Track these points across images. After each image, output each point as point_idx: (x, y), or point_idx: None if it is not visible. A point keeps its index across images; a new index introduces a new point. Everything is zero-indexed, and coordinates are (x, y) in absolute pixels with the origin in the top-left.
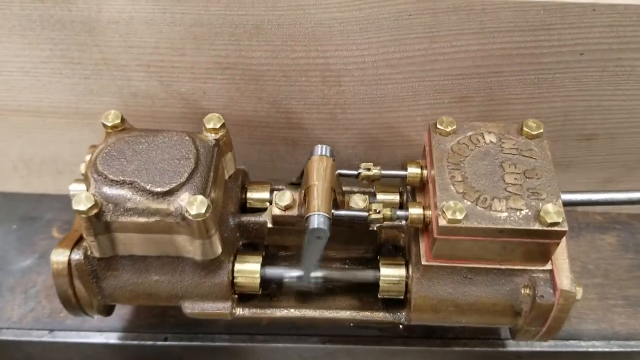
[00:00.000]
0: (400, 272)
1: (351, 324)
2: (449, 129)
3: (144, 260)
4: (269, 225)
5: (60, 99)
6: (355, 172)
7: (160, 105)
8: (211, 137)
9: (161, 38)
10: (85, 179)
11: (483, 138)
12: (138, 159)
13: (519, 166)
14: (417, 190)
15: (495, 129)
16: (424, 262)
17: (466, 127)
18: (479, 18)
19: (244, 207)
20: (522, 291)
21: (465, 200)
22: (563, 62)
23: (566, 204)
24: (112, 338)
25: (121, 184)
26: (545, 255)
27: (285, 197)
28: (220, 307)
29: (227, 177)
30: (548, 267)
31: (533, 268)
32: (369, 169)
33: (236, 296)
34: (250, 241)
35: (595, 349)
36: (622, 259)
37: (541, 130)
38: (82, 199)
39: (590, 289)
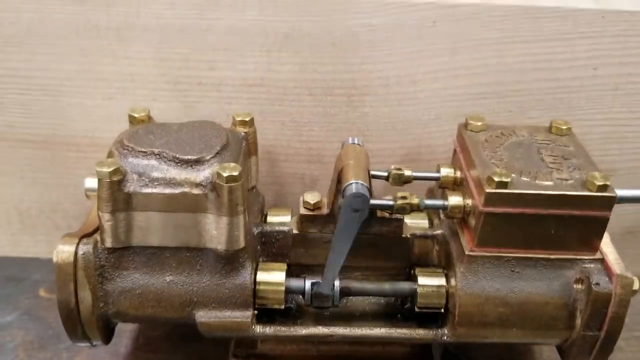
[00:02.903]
0: (440, 280)
1: None
2: (479, 123)
3: (159, 256)
4: (295, 231)
5: (76, 126)
6: (379, 174)
7: None
8: (241, 130)
9: (193, 49)
10: (108, 155)
11: (514, 133)
12: (167, 136)
13: (555, 151)
14: None
15: (524, 128)
16: (467, 252)
17: (495, 127)
18: (498, 26)
19: None
20: (575, 286)
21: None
22: (577, 79)
23: (620, 200)
24: None
25: (148, 154)
26: (594, 238)
27: (315, 195)
28: (239, 316)
29: (250, 185)
30: (598, 256)
31: (583, 257)
32: (399, 169)
33: (256, 312)
34: (272, 259)
35: None
36: None
37: (570, 127)
38: (105, 163)
39: (633, 342)
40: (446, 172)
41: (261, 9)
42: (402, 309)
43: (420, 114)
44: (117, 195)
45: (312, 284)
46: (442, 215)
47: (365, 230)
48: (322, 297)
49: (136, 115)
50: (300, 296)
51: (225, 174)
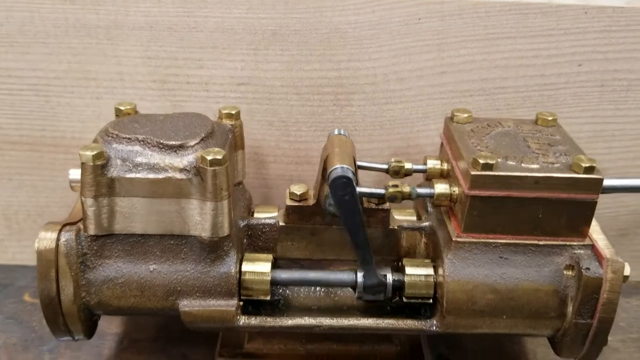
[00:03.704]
0: (428, 270)
1: None
2: (465, 115)
3: (143, 244)
4: (281, 223)
5: (65, 126)
6: (379, 166)
7: None
8: (227, 122)
9: (181, 47)
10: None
11: (500, 124)
12: (152, 125)
13: (541, 140)
14: None
15: (510, 120)
16: (454, 238)
17: (481, 119)
18: (483, 22)
19: None
20: (565, 273)
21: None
22: (563, 75)
23: (608, 189)
24: None
25: (133, 140)
26: (583, 222)
27: (301, 186)
28: (224, 305)
29: (236, 180)
30: (588, 242)
31: (573, 243)
32: (400, 161)
33: (241, 303)
34: (258, 252)
35: None
36: None
37: (555, 118)
38: (89, 147)
39: (629, 343)
40: (433, 163)
41: (249, 6)
42: (390, 303)
43: (407, 112)
44: (100, 180)
45: (363, 276)
46: (429, 208)
47: None
48: (373, 288)
49: (122, 108)
50: (351, 289)
51: (209, 157)
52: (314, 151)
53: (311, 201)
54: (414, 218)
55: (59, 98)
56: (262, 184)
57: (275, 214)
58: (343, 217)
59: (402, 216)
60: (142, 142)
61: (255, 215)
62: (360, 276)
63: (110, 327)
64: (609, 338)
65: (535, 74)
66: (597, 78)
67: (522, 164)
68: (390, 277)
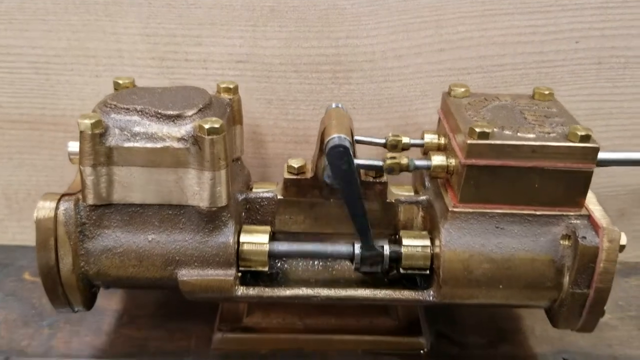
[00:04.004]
0: (425, 241)
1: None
2: (462, 89)
3: (141, 214)
4: (279, 197)
5: (65, 104)
6: (377, 140)
7: None
8: (225, 97)
9: (180, 23)
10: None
11: (497, 98)
12: (150, 97)
13: (538, 112)
14: None
15: (507, 95)
16: (451, 208)
17: (478, 94)
18: None
19: None
20: (562, 242)
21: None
22: (561, 52)
23: (604, 162)
24: None
25: (131, 111)
26: (579, 192)
27: (299, 159)
28: (222, 274)
29: (234, 156)
30: (584, 212)
31: (569, 213)
32: (397, 135)
33: (240, 274)
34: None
35: None
36: None
37: (552, 92)
38: (87, 116)
39: (627, 321)
40: (430, 137)
41: None
42: (387, 275)
43: (406, 90)
44: (99, 148)
45: (360, 247)
46: (427, 183)
47: None
48: (370, 259)
49: (121, 82)
50: (349, 262)
51: (206, 126)
52: (313, 130)
53: (309, 174)
54: (412, 193)
55: (59, 76)
56: (261, 163)
57: (274, 188)
58: (340, 187)
59: (400, 191)
60: (140, 112)
61: (255, 190)
62: (357, 247)
63: (109, 303)
64: (608, 316)
65: (533, 50)
66: (594, 55)
67: (519, 134)
68: (387, 248)
